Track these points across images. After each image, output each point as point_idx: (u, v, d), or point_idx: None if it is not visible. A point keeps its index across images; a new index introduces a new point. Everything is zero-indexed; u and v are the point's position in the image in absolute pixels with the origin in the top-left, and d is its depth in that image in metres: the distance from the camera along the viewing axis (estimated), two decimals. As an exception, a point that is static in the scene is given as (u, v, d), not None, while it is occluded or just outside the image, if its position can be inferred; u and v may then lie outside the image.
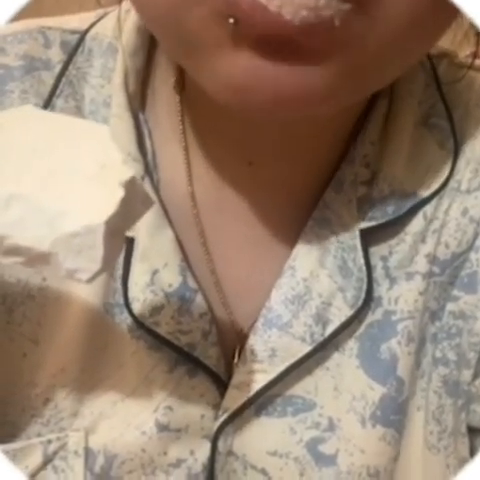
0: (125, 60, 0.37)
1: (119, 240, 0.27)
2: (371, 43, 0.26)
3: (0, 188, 0.26)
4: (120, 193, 0.26)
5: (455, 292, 0.37)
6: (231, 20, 0.24)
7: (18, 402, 0.36)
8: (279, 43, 0.25)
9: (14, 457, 0.35)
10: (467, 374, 0.36)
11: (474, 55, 0.39)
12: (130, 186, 0.26)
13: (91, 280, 0.26)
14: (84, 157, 0.27)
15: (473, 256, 0.37)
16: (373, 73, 0.29)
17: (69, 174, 0.26)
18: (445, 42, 0.39)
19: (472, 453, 0.37)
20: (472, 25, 0.35)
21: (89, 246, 0.25)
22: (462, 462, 0.37)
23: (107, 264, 0.26)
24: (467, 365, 0.36)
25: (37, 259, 0.26)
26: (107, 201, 0.25)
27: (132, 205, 0.27)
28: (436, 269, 0.38)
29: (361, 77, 0.28)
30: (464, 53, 0.40)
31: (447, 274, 0.38)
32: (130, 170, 0.27)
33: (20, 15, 0.35)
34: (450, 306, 0.37)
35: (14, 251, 0.26)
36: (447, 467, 0.37)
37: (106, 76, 0.38)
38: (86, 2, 0.38)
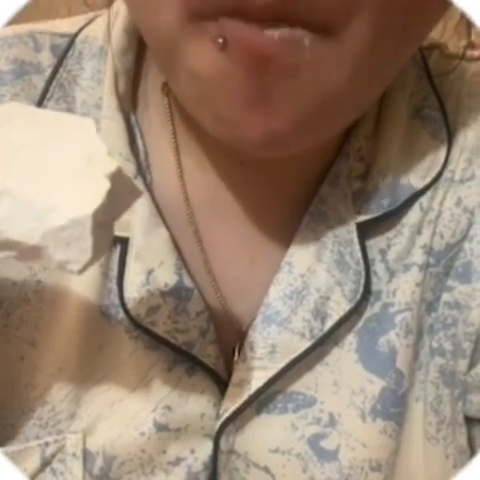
0: (115, 61, 0.37)
1: (108, 230, 0.27)
2: (342, 62, 0.27)
3: None
4: (106, 185, 0.26)
5: (450, 282, 0.37)
6: (220, 40, 0.26)
7: (17, 405, 0.36)
8: (263, 62, 0.26)
9: (12, 460, 0.35)
10: (463, 364, 0.36)
11: (467, 46, 0.39)
12: (116, 177, 0.26)
13: (82, 271, 0.26)
14: (71, 151, 0.27)
15: (467, 246, 0.37)
16: (350, 96, 0.29)
17: (56, 168, 0.27)
18: (435, 34, 0.39)
19: (470, 443, 0.37)
20: (463, 16, 0.35)
21: (77, 238, 0.25)
22: (461, 452, 0.37)
23: (97, 254, 0.26)
24: (463, 355, 0.36)
25: (28, 253, 0.26)
26: (94, 194, 0.26)
27: (119, 196, 0.27)
28: (432, 260, 0.37)
29: (337, 103, 0.29)
30: (453, 44, 0.40)
31: (442, 265, 0.37)
32: (115, 162, 0.27)
33: (15, 20, 0.36)
34: (445, 296, 0.37)
35: (5, 246, 0.26)
36: (446, 457, 0.37)
37: (97, 78, 0.38)
38: (75, 6, 0.38)
